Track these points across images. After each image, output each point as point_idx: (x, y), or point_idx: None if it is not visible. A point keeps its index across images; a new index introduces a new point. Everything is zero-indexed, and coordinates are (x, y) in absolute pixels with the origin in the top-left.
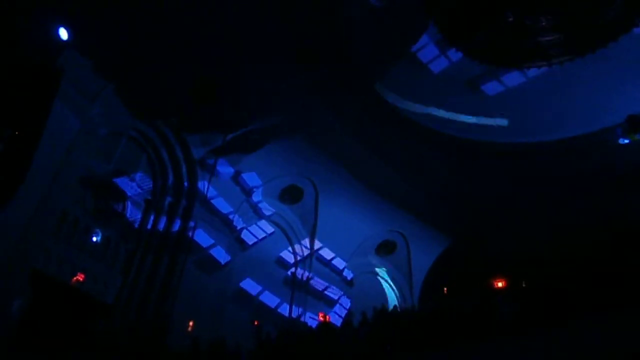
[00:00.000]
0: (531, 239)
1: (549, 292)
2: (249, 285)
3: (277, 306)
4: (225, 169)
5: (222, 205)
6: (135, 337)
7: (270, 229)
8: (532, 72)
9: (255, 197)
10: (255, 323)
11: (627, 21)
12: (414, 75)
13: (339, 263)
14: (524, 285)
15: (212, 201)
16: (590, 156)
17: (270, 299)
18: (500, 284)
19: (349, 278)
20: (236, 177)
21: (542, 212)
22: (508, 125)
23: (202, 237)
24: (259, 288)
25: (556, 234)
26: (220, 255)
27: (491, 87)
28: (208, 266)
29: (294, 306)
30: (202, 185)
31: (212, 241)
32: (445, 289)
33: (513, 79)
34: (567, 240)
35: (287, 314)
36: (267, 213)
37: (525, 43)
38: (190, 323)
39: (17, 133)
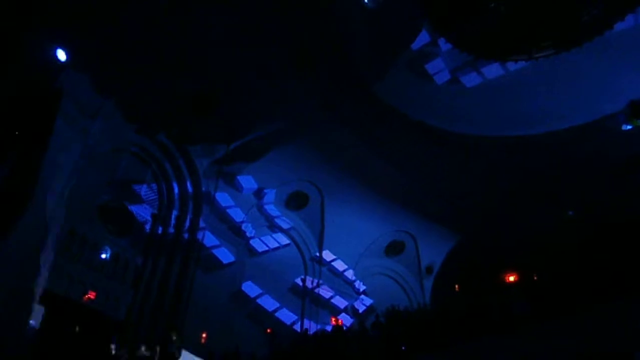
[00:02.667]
0: (538, 231)
1: (558, 284)
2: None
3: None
4: (246, 182)
5: (234, 213)
6: (149, 353)
7: (284, 240)
8: (530, 62)
9: (272, 212)
10: (268, 331)
11: (610, 17)
12: (414, 75)
13: (349, 273)
14: (535, 278)
15: (223, 210)
16: (593, 144)
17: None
18: (512, 278)
19: (358, 287)
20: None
21: (547, 203)
22: (510, 118)
23: (211, 242)
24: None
25: (562, 224)
26: (228, 258)
27: (485, 78)
28: (217, 273)
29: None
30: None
31: (222, 248)
32: (456, 285)
33: (509, 68)
34: (573, 231)
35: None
36: (285, 226)
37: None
38: (204, 335)
39: (21, 154)
